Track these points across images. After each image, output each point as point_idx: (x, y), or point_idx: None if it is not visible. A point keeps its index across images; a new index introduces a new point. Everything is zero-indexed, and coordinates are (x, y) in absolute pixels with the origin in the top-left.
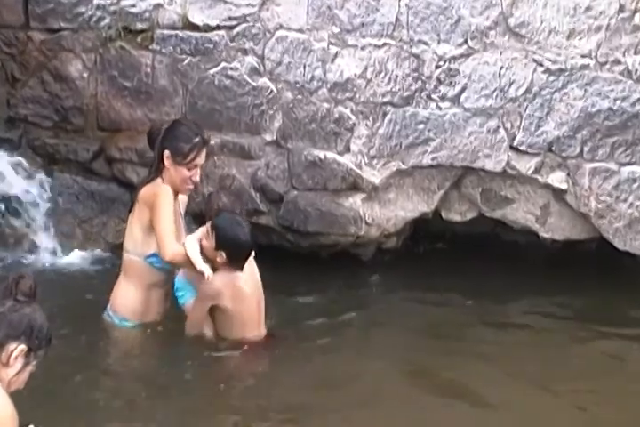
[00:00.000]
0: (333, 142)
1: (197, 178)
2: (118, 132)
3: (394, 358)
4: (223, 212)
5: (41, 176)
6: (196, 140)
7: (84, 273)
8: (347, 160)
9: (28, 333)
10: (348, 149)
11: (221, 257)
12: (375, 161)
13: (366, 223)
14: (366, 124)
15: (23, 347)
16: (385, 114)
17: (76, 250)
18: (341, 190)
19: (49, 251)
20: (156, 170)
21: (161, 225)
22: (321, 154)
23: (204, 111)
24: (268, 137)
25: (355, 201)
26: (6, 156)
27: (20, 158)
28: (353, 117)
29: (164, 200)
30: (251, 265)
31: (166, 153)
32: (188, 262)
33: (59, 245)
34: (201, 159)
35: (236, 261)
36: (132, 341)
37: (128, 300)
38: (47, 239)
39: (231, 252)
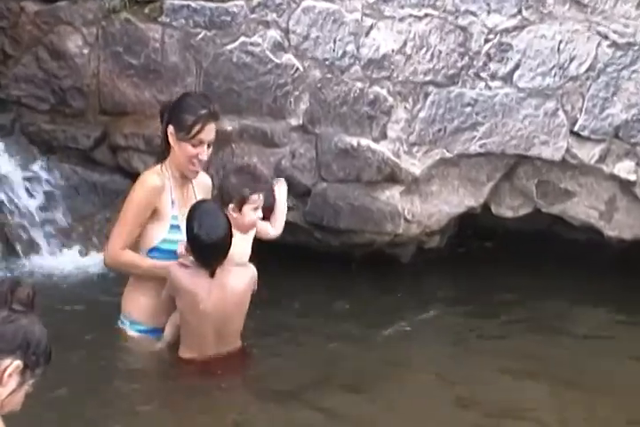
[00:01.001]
0: (368, 127)
1: (204, 156)
2: (123, 117)
3: (430, 371)
4: (203, 200)
5: (36, 167)
6: (202, 111)
7: (84, 278)
8: (383, 148)
9: (25, 347)
10: (384, 136)
11: (187, 249)
12: (415, 149)
13: (405, 220)
14: (405, 107)
15: (18, 363)
16: (426, 95)
17: (76, 250)
18: (377, 182)
19: (44, 252)
20: (163, 152)
21: (118, 222)
22: (353, 141)
23: (221, 92)
24: (294, 121)
25: (392, 194)
26: None
27: (12, 146)
28: (390, 99)
29: (136, 190)
30: (231, 276)
31: (170, 128)
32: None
33: (56, 246)
34: (207, 134)
35: (199, 259)
36: (137, 356)
37: (136, 301)
38: (42, 238)
39: (192, 246)
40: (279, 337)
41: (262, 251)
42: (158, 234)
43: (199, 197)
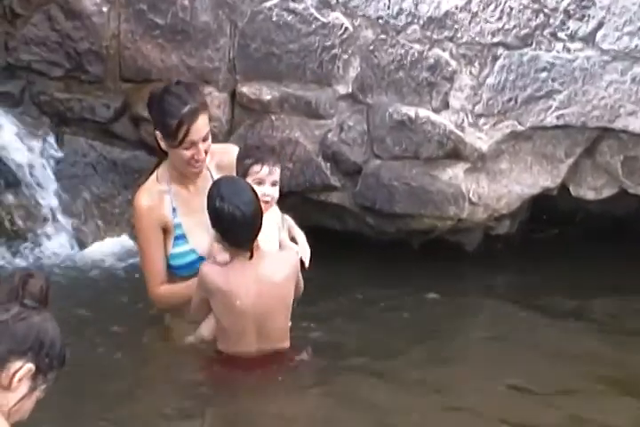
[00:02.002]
0: (427, 96)
1: (202, 155)
2: (147, 84)
3: (493, 376)
4: (221, 176)
5: (48, 141)
6: (184, 110)
7: (104, 269)
8: (445, 119)
9: (37, 348)
10: (446, 105)
11: (216, 236)
12: (482, 120)
13: (470, 202)
14: (470, 72)
15: (30, 366)
16: (495, 58)
17: (94, 236)
18: (438, 159)
19: (58, 238)
20: (158, 161)
21: (140, 257)
22: (411, 111)
23: (258, 56)
24: (342, 89)
25: (455, 173)
26: (3, 114)
27: (21, 117)
28: (453, 63)
29: (135, 217)
30: (266, 265)
31: (157, 135)
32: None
33: (71, 231)
34: (197, 133)
35: (230, 239)
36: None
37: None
38: (55, 224)
39: (218, 225)
40: (331, 334)
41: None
42: (166, 250)
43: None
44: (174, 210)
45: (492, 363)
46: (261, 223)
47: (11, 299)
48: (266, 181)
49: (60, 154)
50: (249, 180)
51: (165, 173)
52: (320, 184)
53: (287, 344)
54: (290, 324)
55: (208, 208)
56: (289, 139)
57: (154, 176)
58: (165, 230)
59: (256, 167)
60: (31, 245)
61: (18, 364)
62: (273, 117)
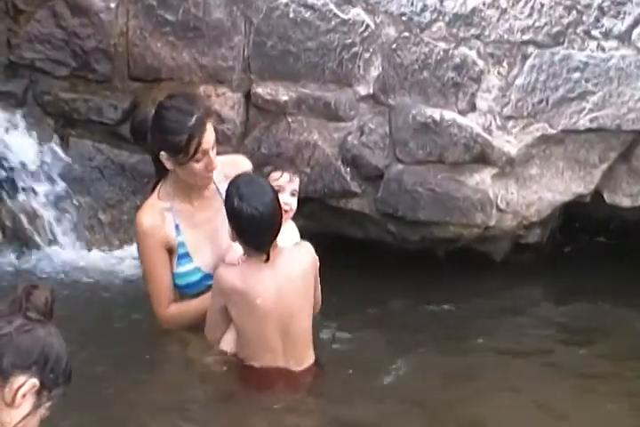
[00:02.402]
0: (453, 97)
1: (214, 164)
2: (157, 83)
3: (521, 401)
4: (238, 174)
5: (52, 144)
6: (191, 123)
7: (111, 278)
8: (471, 122)
9: (41, 363)
10: (473, 107)
11: (233, 235)
12: (511, 123)
13: (498, 209)
14: (499, 72)
15: (34, 382)
16: (525, 57)
17: (101, 244)
18: (464, 164)
19: (63, 245)
20: (157, 178)
21: (145, 280)
22: (436, 113)
23: (275, 54)
24: (363, 90)
25: (483, 179)
26: (6, 115)
27: (24, 119)
28: (480, 62)
29: (138, 239)
30: (282, 260)
31: (163, 155)
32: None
33: (76, 238)
34: (208, 141)
35: (248, 240)
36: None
37: None
38: (60, 230)
39: (236, 225)
40: (359, 350)
41: (324, 246)
42: (172, 270)
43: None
44: (177, 227)
45: (516, 378)
46: (280, 225)
47: (14, 311)
48: (286, 189)
49: (65, 157)
50: None
51: (167, 190)
52: (340, 190)
53: (312, 357)
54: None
55: (226, 206)
56: (307, 142)
57: (155, 194)
58: (169, 250)
59: (276, 174)
60: (35, 251)
61: (21, 379)
62: (290, 119)
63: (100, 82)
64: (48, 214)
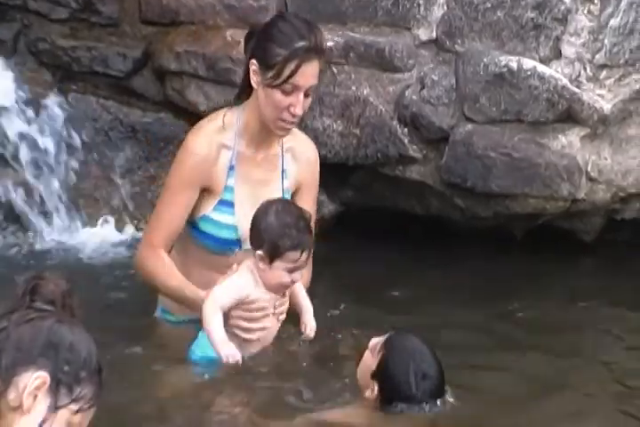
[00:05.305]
0: (533, 42)
1: (300, 110)
2: (174, 28)
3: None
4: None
5: (49, 101)
6: (299, 44)
7: (116, 257)
8: (556, 72)
9: (50, 354)
10: (558, 54)
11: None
12: (604, 73)
13: (589, 178)
14: (589, 11)
15: (41, 374)
16: None
17: (107, 221)
18: (547, 123)
19: (63, 223)
20: (241, 92)
21: (156, 209)
22: (512, 62)
23: None
24: (424, 34)
25: (569, 141)
26: None
27: (14, 71)
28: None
29: (178, 159)
30: None
31: (253, 64)
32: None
33: (79, 214)
34: (306, 78)
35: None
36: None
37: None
38: (60, 204)
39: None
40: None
41: (376, 223)
42: (200, 208)
43: (289, 177)
44: (232, 168)
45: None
46: None
47: (18, 305)
48: (300, 268)
49: (64, 116)
50: (280, 264)
51: (236, 122)
52: (395, 155)
53: None
54: None
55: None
56: (356, 97)
57: (219, 121)
58: (207, 190)
59: (294, 254)
60: (30, 228)
61: (26, 375)
62: (335, 70)
63: (106, 26)
64: (44, 187)
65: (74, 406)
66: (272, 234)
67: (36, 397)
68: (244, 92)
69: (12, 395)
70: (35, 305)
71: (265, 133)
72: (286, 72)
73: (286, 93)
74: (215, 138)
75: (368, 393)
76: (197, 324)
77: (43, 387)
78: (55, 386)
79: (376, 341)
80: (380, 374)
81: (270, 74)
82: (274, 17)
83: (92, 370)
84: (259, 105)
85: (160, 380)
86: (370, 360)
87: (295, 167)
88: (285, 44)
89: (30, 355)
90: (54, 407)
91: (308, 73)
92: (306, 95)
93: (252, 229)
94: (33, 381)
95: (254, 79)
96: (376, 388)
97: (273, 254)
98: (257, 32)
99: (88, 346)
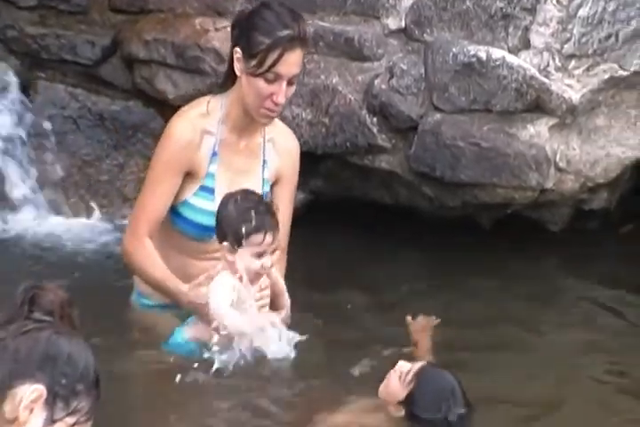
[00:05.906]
0: (502, 32)
1: (282, 98)
2: (144, 16)
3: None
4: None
5: (15, 89)
6: (283, 33)
7: (86, 249)
8: (525, 62)
9: (47, 367)
10: (526, 44)
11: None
12: (573, 63)
13: (557, 168)
14: (557, 1)
15: (37, 388)
16: None
17: (74, 210)
18: (515, 113)
19: (29, 212)
20: (226, 79)
21: (139, 196)
22: (481, 51)
23: None
24: (393, 23)
25: (538, 131)
26: None
27: None
28: None
29: (161, 145)
30: None
31: (236, 51)
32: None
33: (46, 204)
34: (289, 67)
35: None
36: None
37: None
38: (27, 193)
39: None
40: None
41: (344, 213)
42: (182, 192)
43: (270, 167)
44: (214, 155)
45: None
46: None
47: (17, 316)
48: (267, 252)
49: (31, 105)
50: (246, 250)
51: (220, 109)
52: (364, 144)
53: None
54: None
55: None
56: (325, 86)
57: (203, 107)
58: (190, 174)
59: (257, 238)
60: None
61: (24, 389)
62: (305, 59)
63: (75, 14)
64: (10, 174)
65: (70, 420)
66: (232, 221)
67: (32, 410)
68: (229, 79)
69: (7, 407)
70: (33, 316)
71: (248, 121)
72: (269, 61)
73: (269, 82)
74: (198, 124)
75: (393, 410)
76: (174, 309)
77: (39, 400)
78: (52, 399)
79: (406, 368)
80: (411, 404)
81: (253, 62)
82: (258, 5)
83: (89, 383)
84: (242, 93)
85: (138, 367)
86: (397, 387)
87: (276, 158)
88: (268, 33)
89: (27, 367)
90: (50, 421)
91: (291, 62)
92: (289, 84)
93: (215, 224)
94: (29, 394)
95: (238, 67)
96: (403, 411)
97: (237, 241)
98: (241, 20)
99: (86, 358)
